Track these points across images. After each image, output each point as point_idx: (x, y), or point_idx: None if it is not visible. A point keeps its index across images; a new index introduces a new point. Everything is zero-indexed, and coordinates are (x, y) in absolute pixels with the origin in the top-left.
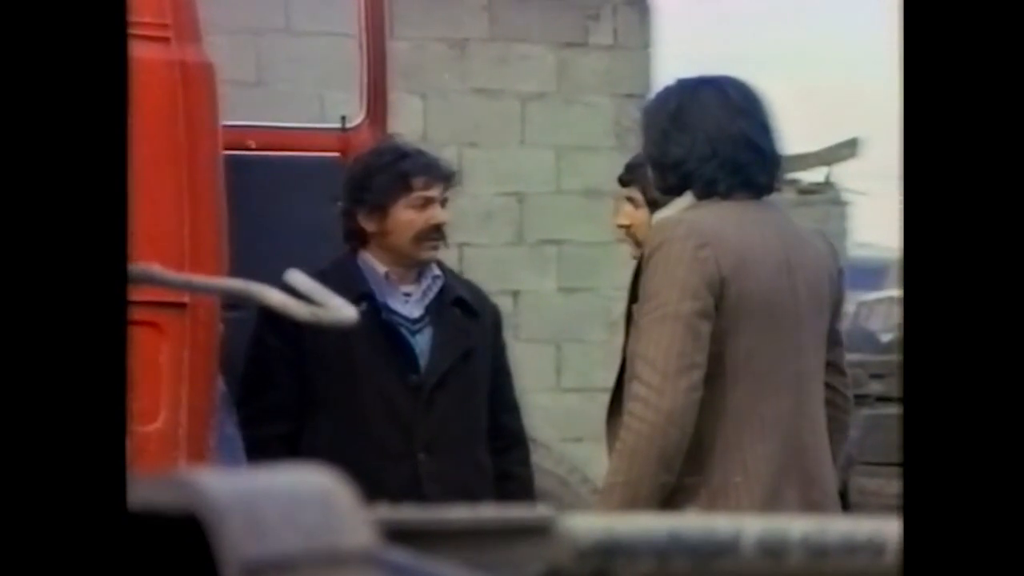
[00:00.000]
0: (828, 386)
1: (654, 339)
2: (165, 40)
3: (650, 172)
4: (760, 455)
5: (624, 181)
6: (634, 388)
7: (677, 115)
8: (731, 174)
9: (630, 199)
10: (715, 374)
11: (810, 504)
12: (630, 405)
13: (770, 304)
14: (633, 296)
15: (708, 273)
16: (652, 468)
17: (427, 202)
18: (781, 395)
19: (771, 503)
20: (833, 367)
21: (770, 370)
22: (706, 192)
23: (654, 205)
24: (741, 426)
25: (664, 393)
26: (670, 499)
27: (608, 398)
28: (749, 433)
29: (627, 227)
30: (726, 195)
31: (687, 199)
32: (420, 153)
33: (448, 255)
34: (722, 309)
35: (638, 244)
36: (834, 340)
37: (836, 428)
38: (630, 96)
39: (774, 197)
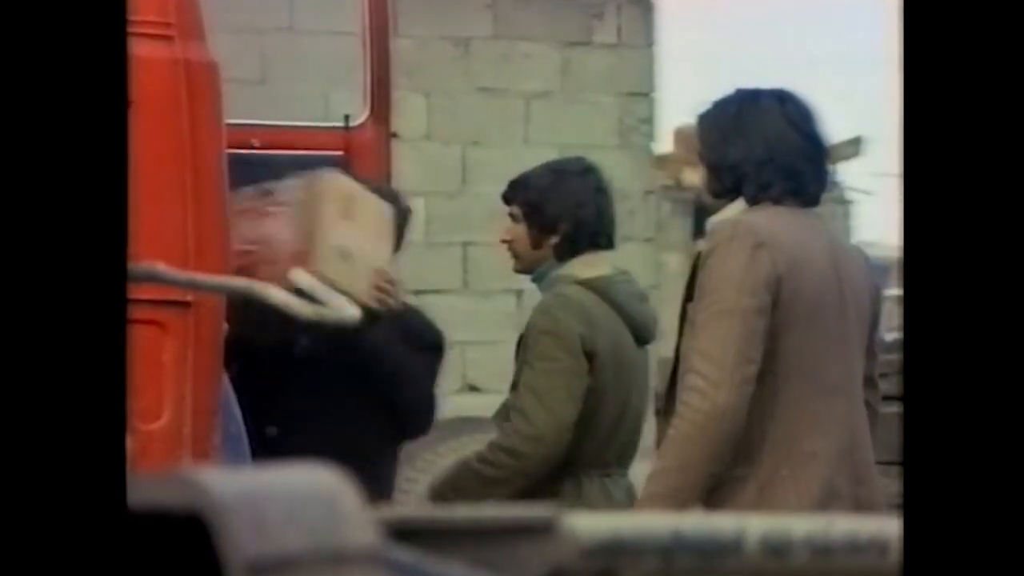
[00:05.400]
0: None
1: (711, 334)
2: (169, 39)
3: (704, 175)
4: (810, 451)
5: (507, 199)
6: (690, 380)
7: (737, 120)
8: (785, 180)
9: (511, 215)
10: (768, 370)
11: (861, 502)
12: (685, 396)
13: (820, 307)
14: (688, 295)
15: (764, 272)
16: (703, 458)
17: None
18: (834, 395)
19: (825, 499)
20: (866, 378)
21: (822, 370)
22: (759, 196)
23: (534, 220)
24: (792, 422)
25: (720, 386)
26: (718, 489)
27: (662, 397)
28: (801, 429)
29: (509, 242)
30: (778, 200)
31: (739, 204)
32: (370, 183)
33: (452, 254)
34: (777, 307)
35: (518, 258)
36: (870, 353)
37: None
38: (634, 95)
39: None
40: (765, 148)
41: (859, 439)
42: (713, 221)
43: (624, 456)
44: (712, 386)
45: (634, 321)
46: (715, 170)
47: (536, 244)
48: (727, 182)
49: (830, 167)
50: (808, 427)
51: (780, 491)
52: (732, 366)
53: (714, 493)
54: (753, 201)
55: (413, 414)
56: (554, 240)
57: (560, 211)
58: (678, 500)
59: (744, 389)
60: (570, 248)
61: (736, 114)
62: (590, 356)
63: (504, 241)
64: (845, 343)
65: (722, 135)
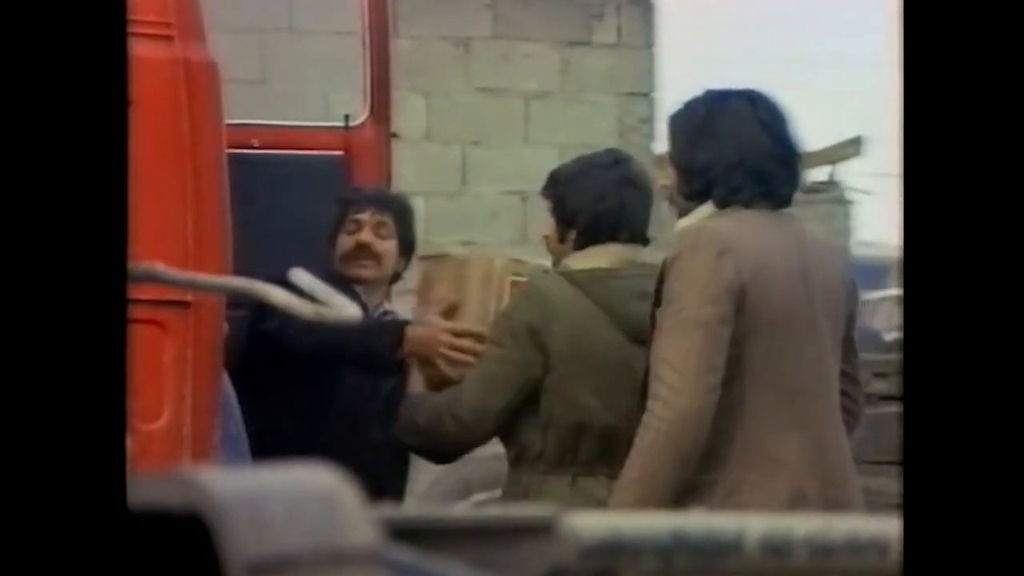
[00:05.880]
0: (842, 392)
1: (675, 342)
2: (169, 39)
3: (675, 177)
4: (778, 456)
5: (542, 194)
6: (654, 388)
7: (706, 122)
8: (755, 183)
9: (548, 210)
10: (735, 376)
11: (832, 503)
12: (650, 404)
13: (787, 311)
14: (657, 301)
15: (727, 280)
16: (668, 466)
17: (358, 225)
18: (802, 398)
19: (793, 503)
20: (846, 375)
21: (790, 374)
22: (728, 199)
23: (557, 214)
24: (760, 427)
25: (683, 394)
26: (688, 495)
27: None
28: (768, 434)
29: (547, 237)
30: (748, 203)
31: (708, 208)
32: (366, 188)
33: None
34: (741, 314)
35: (551, 252)
36: (848, 349)
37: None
38: (633, 95)
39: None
40: (735, 150)
41: (830, 441)
42: (679, 226)
43: (607, 455)
44: (676, 394)
45: (624, 318)
46: (684, 172)
47: (561, 238)
48: (697, 185)
49: (801, 168)
50: (776, 431)
51: (748, 496)
52: (696, 374)
53: (682, 499)
54: (723, 205)
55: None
56: (573, 234)
57: (579, 204)
58: (647, 509)
59: (708, 396)
60: (588, 241)
61: (705, 116)
62: (542, 349)
63: (545, 236)
64: (815, 345)
65: (691, 137)
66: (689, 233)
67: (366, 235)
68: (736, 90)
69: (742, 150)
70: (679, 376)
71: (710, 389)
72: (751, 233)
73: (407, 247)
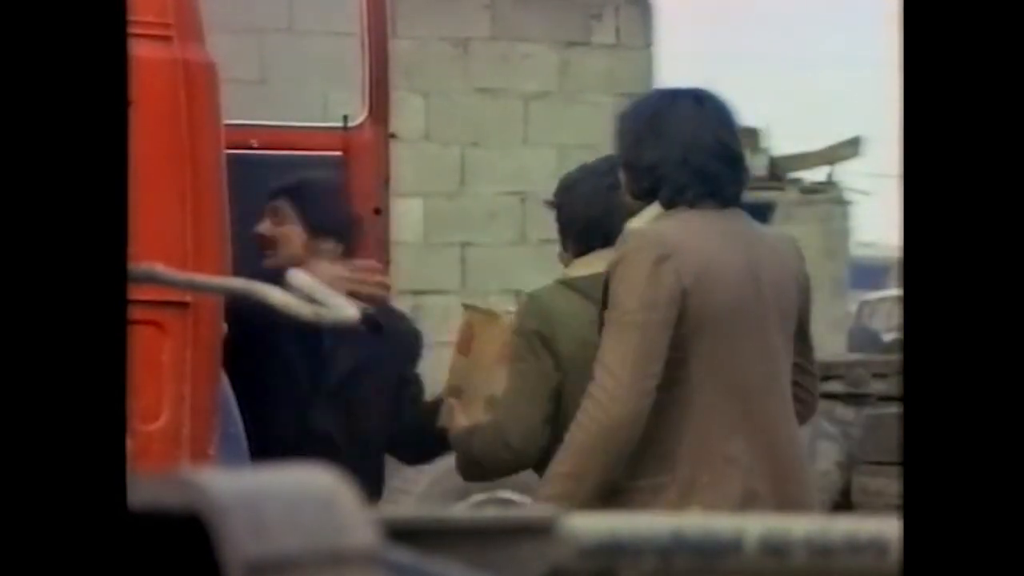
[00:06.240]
0: (796, 384)
1: (612, 346)
2: (167, 39)
3: (623, 176)
4: (729, 456)
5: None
6: (590, 389)
7: (653, 122)
8: (701, 183)
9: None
10: (682, 378)
11: (786, 499)
12: (584, 403)
13: (735, 310)
14: (604, 303)
15: (667, 285)
16: (597, 468)
17: (258, 219)
18: (751, 397)
19: (745, 501)
20: (800, 368)
21: (738, 374)
22: (674, 198)
23: (558, 222)
24: (709, 427)
25: (616, 399)
26: (639, 497)
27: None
28: (718, 434)
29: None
30: (693, 203)
31: (655, 209)
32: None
33: (451, 255)
34: (685, 317)
35: (560, 260)
36: (803, 342)
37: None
38: (632, 95)
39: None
40: (680, 150)
41: (783, 439)
42: (627, 227)
43: None
44: (609, 399)
45: None
46: (632, 172)
47: (564, 246)
48: (644, 184)
49: (747, 167)
50: (726, 432)
51: (700, 497)
52: (630, 379)
53: (635, 501)
54: (669, 204)
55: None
56: (570, 241)
57: (573, 212)
58: (572, 505)
59: (642, 401)
60: (585, 248)
61: (652, 116)
62: (554, 354)
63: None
64: (764, 343)
65: (638, 136)
66: (632, 237)
67: (261, 226)
68: (684, 90)
69: (688, 149)
70: (614, 381)
71: (644, 394)
72: (696, 234)
73: (317, 225)
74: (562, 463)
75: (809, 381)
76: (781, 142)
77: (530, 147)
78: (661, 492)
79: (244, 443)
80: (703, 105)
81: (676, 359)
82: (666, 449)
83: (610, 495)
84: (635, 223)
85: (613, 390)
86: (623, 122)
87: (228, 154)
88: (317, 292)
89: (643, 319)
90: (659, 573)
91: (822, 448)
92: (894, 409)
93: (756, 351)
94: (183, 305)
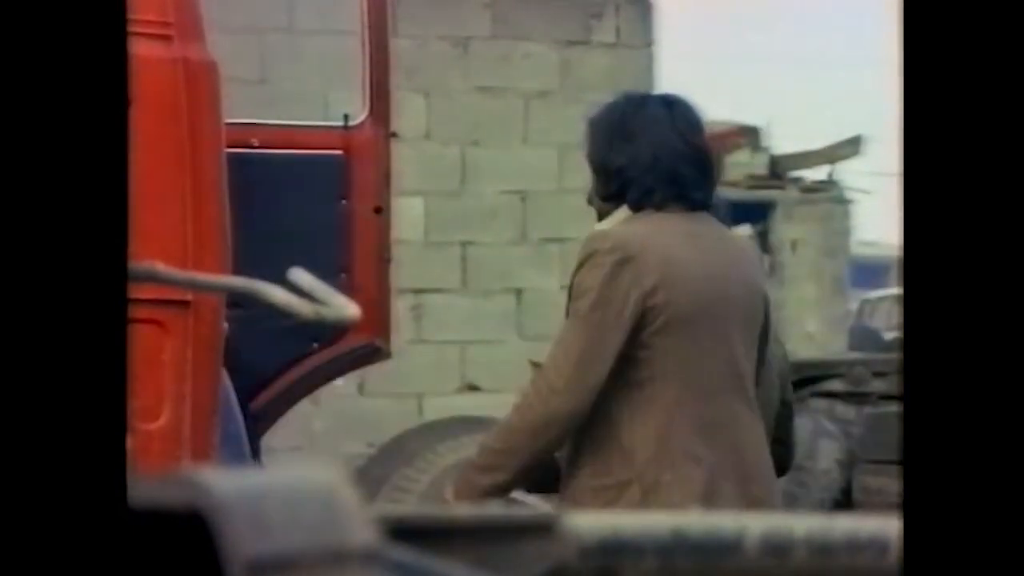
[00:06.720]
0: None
1: (563, 341)
2: (168, 38)
3: (592, 178)
4: (693, 455)
5: None
6: (534, 376)
7: (622, 125)
8: (668, 186)
9: None
10: (645, 378)
11: (750, 500)
12: (528, 387)
13: (699, 312)
14: (569, 296)
15: (625, 288)
16: (525, 452)
17: None
18: (714, 398)
19: (708, 499)
20: (763, 362)
21: (703, 374)
22: (642, 201)
23: None
24: (673, 427)
25: (557, 393)
26: (603, 495)
27: None
28: (682, 433)
29: None
30: (661, 206)
31: (623, 212)
32: None
33: (451, 254)
34: (648, 320)
35: None
36: (766, 340)
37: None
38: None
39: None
40: (649, 154)
41: (747, 438)
42: (594, 228)
43: None
44: (549, 391)
45: None
46: (601, 174)
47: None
48: (613, 186)
49: (716, 172)
50: (690, 431)
51: (664, 495)
52: (572, 376)
53: (599, 500)
54: (636, 207)
55: None
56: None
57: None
58: (496, 478)
59: (583, 398)
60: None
61: (622, 119)
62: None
63: None
64: (729, 345)
65: (607, 139)
66: (596, 238)
67: None
68: (654, 95)
69: (656, 153)
70: (557, 375)
71: (586, 391)
72: (661, 237)
73: None
74: (496, 440)
75: (768, 379)
76: (782, 141)
77: (530, 146)
78: (625, 490)
79: (245, 442)
80: (672, 109)
81: (640, 359)
82: (630, 448)
83: (575, 493)
84: (602, 225)
85: (554, 383)
86: (592, 125)
87: (229, 153)
88: (318, 291)
89: (595, 319)
90: (660, 572)
91: (823, 446)
92: (895, 407)
93: (720, 353)
94: (184, 304)
